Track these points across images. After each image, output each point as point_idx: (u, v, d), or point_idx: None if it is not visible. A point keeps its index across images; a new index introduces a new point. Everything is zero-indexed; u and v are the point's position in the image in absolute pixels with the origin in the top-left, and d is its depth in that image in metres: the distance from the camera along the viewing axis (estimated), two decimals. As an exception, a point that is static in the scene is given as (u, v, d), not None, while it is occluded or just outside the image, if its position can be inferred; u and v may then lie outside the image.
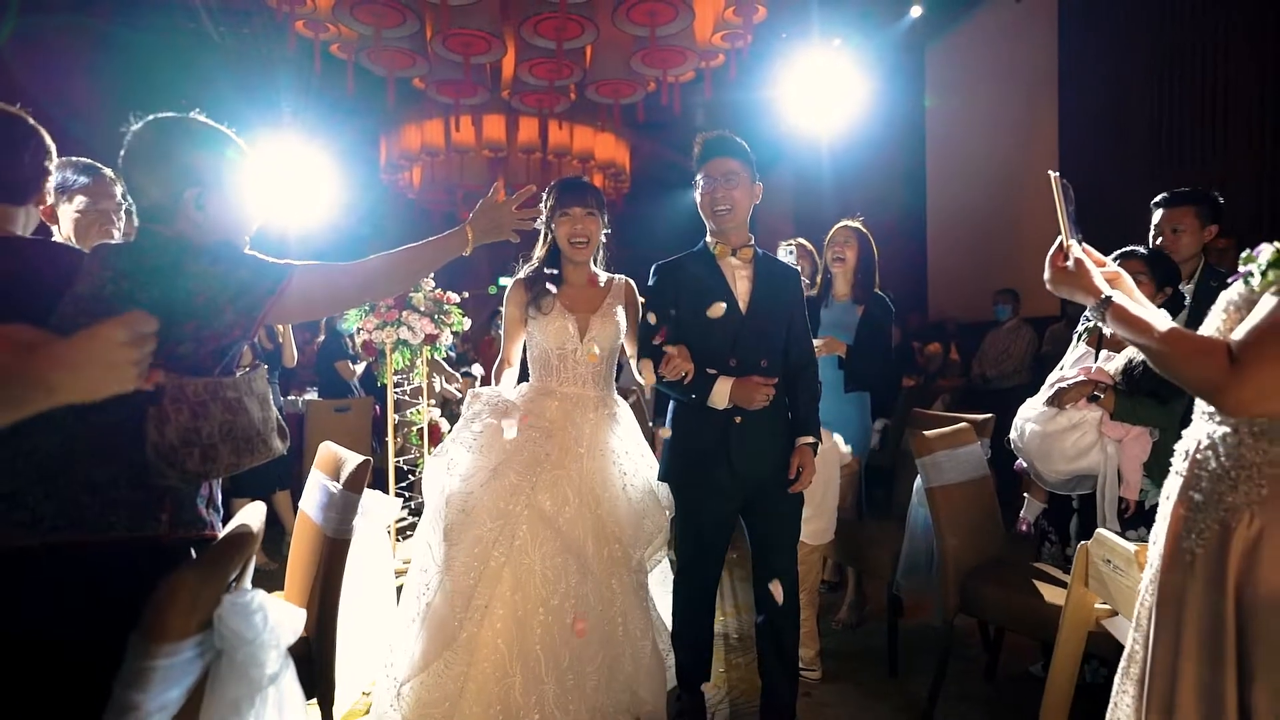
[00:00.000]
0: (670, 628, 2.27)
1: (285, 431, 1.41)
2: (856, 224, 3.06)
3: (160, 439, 1.20)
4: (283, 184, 6.11)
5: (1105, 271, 1.34)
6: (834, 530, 2.70)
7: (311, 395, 5.43)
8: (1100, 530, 1.68)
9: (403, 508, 3.93)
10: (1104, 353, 2.27)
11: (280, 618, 1.10)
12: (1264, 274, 1.09)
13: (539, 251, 2.27)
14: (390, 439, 3.83)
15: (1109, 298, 1.26)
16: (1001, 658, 2.65)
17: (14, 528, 1.17)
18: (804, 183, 9.94)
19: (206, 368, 1.28)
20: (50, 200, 1.42)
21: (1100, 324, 1.28)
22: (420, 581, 2.05)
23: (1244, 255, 1.14)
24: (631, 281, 2.36)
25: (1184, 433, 1.28)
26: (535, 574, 1.95)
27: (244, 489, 3.60)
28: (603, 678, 1.99)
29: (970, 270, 7.31)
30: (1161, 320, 1.21)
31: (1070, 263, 1.31)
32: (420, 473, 3.97)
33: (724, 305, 2.08)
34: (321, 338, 5.60)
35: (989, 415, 2.99)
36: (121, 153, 1.33)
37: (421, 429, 4.00)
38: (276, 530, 3.83)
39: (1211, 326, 1.20)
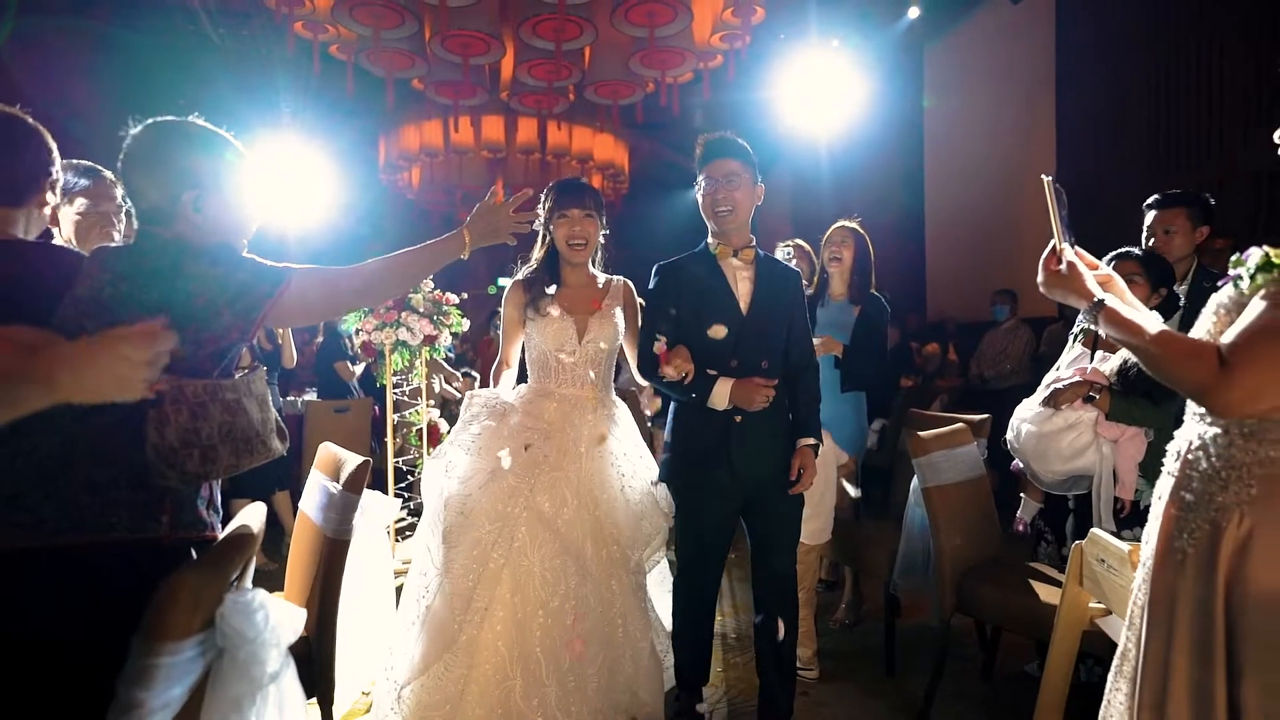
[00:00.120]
0: (669, 628, 2.28)
1: (284, 432, 1.41)
2: (853, 224, 3.07)
3: (160, 440, 1.21)
4: (282, 184, 6.12)
5: (1097, 274, 1.36)
6: (831, 530, 2.72)
7: (311, 396, 5.44)
8: (1094, 530, 1.69)
9: (402, 508, 3.94)
10: (1099, 353, 2.28)
11: (281, 617, 1.11)
12: (1253, 277, 1.10)
13: (537, 253, 2.27)
14: (389, 439, 3.84)
15: (1101, 301, 1.27)
16: (998, 657, 2.67)
17: (15, 529, 1.18)
18: (802, 183, 9.96)
19: (205, 370, 1.29)
20: (53, 203, 1.42)
21: (1093, 326, 1.29)
22: (420, 584, 2.05)
23: (1233, 259, 1.15)
24: (630, 283, 2.36)
25: (1176, 433, 1.30)
26: (535, 576, 1.95)
27: (243, 490, 3.60)
28: (603, 679, 2.00)
29: (969, 271, 7.32)
30: (1152, 323, 1.22)
31: (1063, 266, 1.32)
32: (419, 473, 3.98)
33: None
34: (320, 339, 5.61)
35: (986, 416, 3.00)
36: (120, 156, 1.34)
37: (420, 429, 4.02)
38: (276, 531, 3.84)
39: (1202, 329, 1.22)
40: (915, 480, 2.44)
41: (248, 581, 1.25)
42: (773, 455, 2.14)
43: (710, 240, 2.19)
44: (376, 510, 2.40)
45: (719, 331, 2.08)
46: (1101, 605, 1.70)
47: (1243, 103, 4.84)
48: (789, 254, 3.19)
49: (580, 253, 2.21)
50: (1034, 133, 6.64)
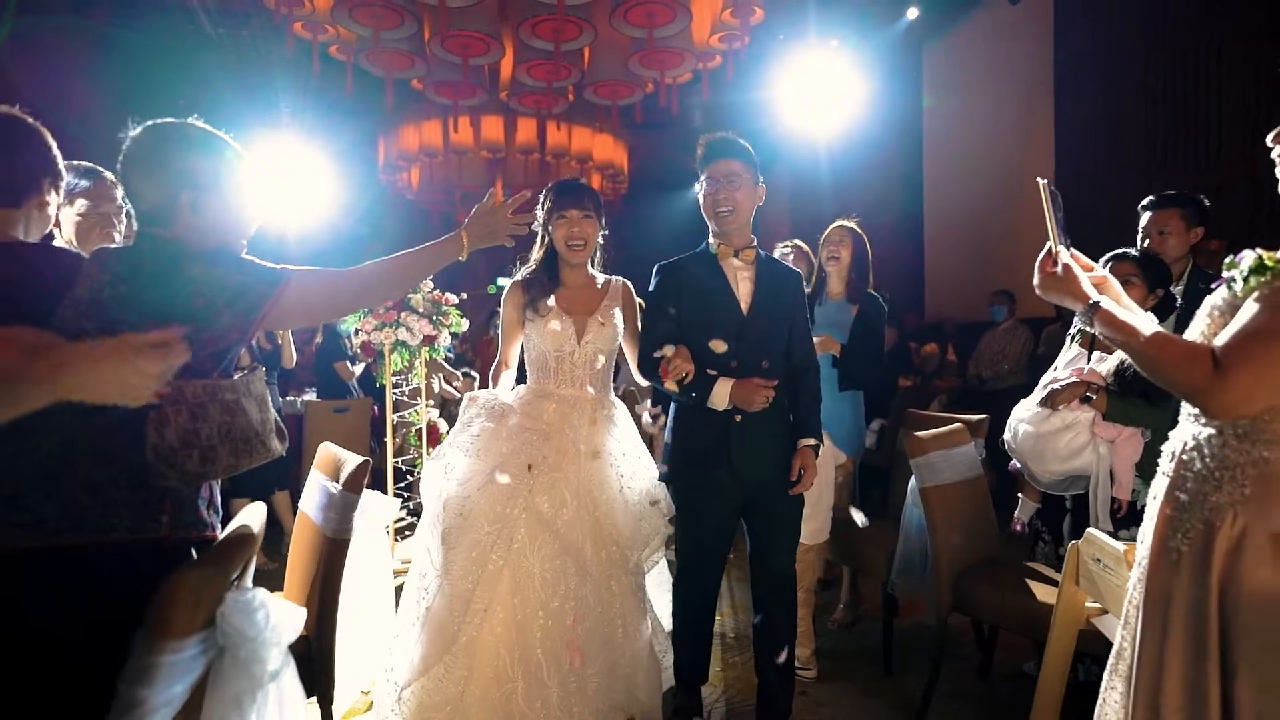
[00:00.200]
0: (668, 628, 2.28)
1: (284, 432, 1.42)
2: (851, 224, 3.08)
3: (160, 441, 1.21)
4: (281, 185, 6.13)
5: (1093, 276, 1.37)
6: (829, 530, 2.72)
7: (310, 396, 5.45)
8: (1090, 530, 1.70)
9: (401, 508, 3.95)
10: (1096, 354, 2.29)
11: (281, 616, 1.12)
12: (1246, 280, 1.11)
13: (536, 254, 2.27)
14: (389, 439, 3.85)
15: (1096, 303, 1.28)
16: (995, 656, 2.67)
17: (16, 529, 1.18)
18: (801, 184, 9.96)
19: (204, 370, 1.29)
20: (54, 203, 1.42)
21: (1088, 328, 1.30)
22: (419, 586, 2.05)
23: (1227, 261, 1.16)
24: (629, 283, 2.36)
25: (1170, 434, 1.31)
26: (534, 577, 1.95)
27: (243, 489, 3.61)
28: (603, 679, 2.00)
29: (968, 271, 7.33)
30: (1147, 325, 1.23)
31: (1059, 268, 1.33)
32: (419, 473, 3.98)
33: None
34: (320, 339, 5.62)
35: (983, 416, 3.01)
36: (120, 158, 1.35)
37: (420, 429, 4.02)
38: (275, 530, 3.84)
39: (1196, 331, 1.23)
40: (913, 480, 2.45)
41: (248, 581, 1.25)
42: (773, 455, 2.14)
43: (711, 240, 2.20)
44: (376, 510, 2.41)
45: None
46: (1097, 605, 1.71)
47: (1241, 104, 4.85)
48: (787, 254, 3.20)
49: (579, 253, 2.21)
50: (1033, 133, 6.65)
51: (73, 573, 1.21)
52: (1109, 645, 1.38)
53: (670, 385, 2.05)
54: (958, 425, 2.57)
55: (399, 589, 2.29)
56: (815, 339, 2.70)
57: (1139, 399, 2.14)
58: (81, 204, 1.91)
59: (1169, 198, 2.65)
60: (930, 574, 2.38)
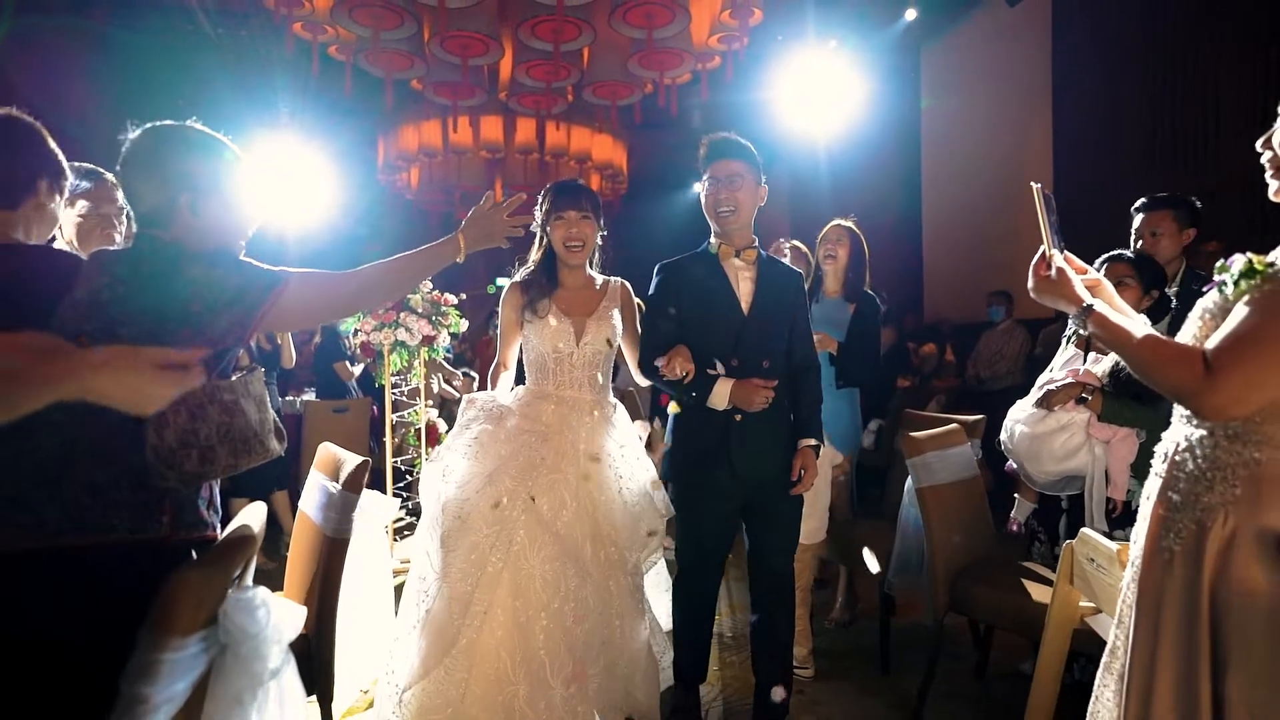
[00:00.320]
0: (665, 628, 2.29)
1: (282, 433, 1.43)
2: (849, 223, 3.11)
3: (159, 441, 1.22)
4: (281, 185, 6.14)
5: (1086, 279, 1.38)
6: (826, 529, 2.74)
7: (309, 396, 5.45)
8: (1084, 530, 1.71)
9: (400, 508, 3.96)
10: (1092, 355, 2.30)
11: (282, 614, 1.13)
12: (1236, 284, 1.13)
13: (534, 255, 2.27)
14: (388, 439, 3.86)
15: (1090, 306, 1.29)
16: (992, 656, 2.69)
17: (18, 530, 1.19)
18: (800, 184, 9.98)
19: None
20: (51, 204, 1.42)
21: (1082, 331, 1.31)
22: (419, 589, 2.04)
23: (1218, 265, 1.17)
24: (627, 284, 2.36)
25: (1163, 435, 1.32)
26: (535, 578, 1.95)
27: (242, 489, 3.62)
28: (602, 680, 2.00)
29: (966, 271, 7.34)
30: (1139, 327, 1.24)
31: (1052, 272, 1.34)
32: (418, 473, 4.00)
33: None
34: (319, 339, 5.63)
35: (980, 416, 3.02)
36: (119, 160, 1.36)
37: (419, 429, 4.03)
38: (274, 530, 3.85)
39: (1188, 334, 1.24)
40: (909, 480, 2.46)
41: (249, 580, 1.26)
42: (773, 456, 2.15)
43: (712, 240, 2.21)
44: (375, 510, 2.42)
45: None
46: (1091, 604, 1.72)
47: (1239, 105, 4.86)
48: (785, 255, 3.21)
49: (577, 254, 2.21)
50: (1031, 134, 6.67)
51: (73, 573, 1.21)
52: (1103, 644, 1.40)
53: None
54: (954, 426, 2.58)
55: (398, 589, 2.30)
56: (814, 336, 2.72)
57: (1134, 400, 2.15)
58: (82, 205, 1.91)
59: (1161, 199, 2.66)
60: (926, 574, 2.39)
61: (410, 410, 4.08)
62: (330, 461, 1.93)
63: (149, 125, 1.36)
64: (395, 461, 3.95)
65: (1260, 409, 1.12)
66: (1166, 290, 2.37)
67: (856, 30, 7.41)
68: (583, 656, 1.95)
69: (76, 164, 1.92)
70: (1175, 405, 1.27)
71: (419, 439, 4.05)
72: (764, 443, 2.13)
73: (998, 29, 7.10)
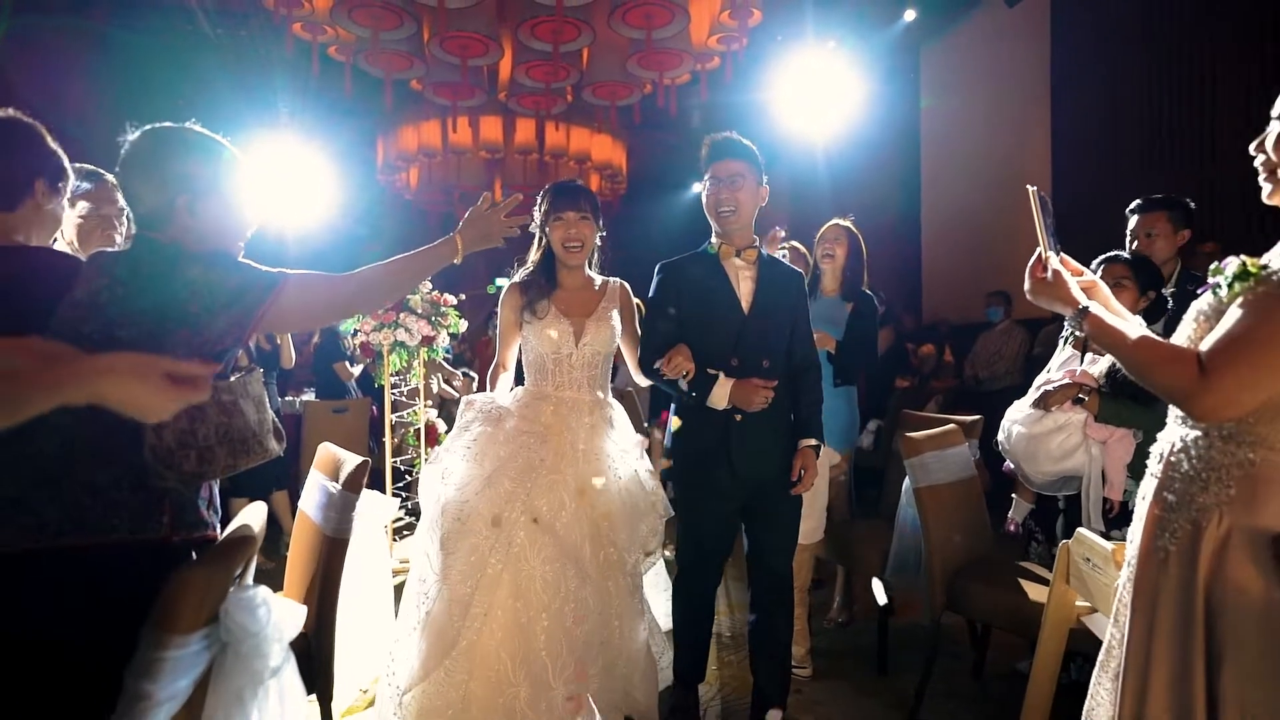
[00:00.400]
0: (664, 628, 2.29)
1: (281, 433, 1.43)
2: (847, 223, 3.13)
3: (158, 442, 1.23)
4: (280, 185, 6.14)
5: (1082, 281, 1.39)
6: (824, 529, 2.75)
7: (309, 396, 5.46)
8: (1080, 530, 1.72)
9: (400, 508, 3.97)
10: (1089, 356, 2.31)
11: (282, 613, 1.14)
12: (1230, 286, 1.14)
13: (533, 255, 2.27)
14: (387, 440, 3.86)
15: (1085, 308, 1.30)
16: (989, 655, 2.69)
17: (19, 531, 1.20)
18: (799, 185, 9.98)
19: None
20: (49, 205, 1.42)
21: (1078, 333, 1.32)
22: (419, 591, 2.04)
23: (1212, 268, 1.18)
24: (626, 284, 2.36)
25: (1158, 436, 1.33)
26: (535, 579, 1.95)
27: (242, 489, 3.62)
28: (602, 680, 2.01)
29: (964, 272, 7.35)
30: (1134, 329, 1.25)
31: (1049, 274, 1.35)
32: (417, 473, 4.00)
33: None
34: (318, 339, 5.64)
35: (977, 417, 3.04)
36: (118, 162, 1.36)
37: (418, 430, 4.04)
38: (274, 530, 3.86)
39: (1183, 335, 1.25)
40: (907, 480, 2.47)
41: (249, 579, 1.27)
42: (774, 456, 2.15)
43: (713, 240, 2.21)
44: (374, 510, 2.43)
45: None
46: (1087, 603, 1.73)
47: (1237, 104, 4.87)
48: (783, 255, 3.23)
49: (576, 255, 2.21)
50: (1030, 134, 6.68)
51: (74, 573, 1.22)
52: (1099, 644, 1.41)
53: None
54: (951, 426, 2.59)
55: (397, 588, 2.30)
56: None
57: (1131, 400, 2.16)
58: (83, 206, 1.92)
59: (1156, 201, 2.68)
60: (924, 573, 2.40)
61: (410, 410, 4.09)
62: (330, 461, 1.93)
63: (147, 127, 1.37)
64: (395, 461, 3.96)
65: (1254, 410, 1.13)
66: (1163, 291, 2.38)
67: (855, 31, 7.41)
68: (582, 657, 1.95)
69: (77, 165, 1.93)
70: (1170, 406, 1.28)
71: (418, 439, 4.06)
72: (764, 443, 2.14)
73: (997, 29, 7.11)
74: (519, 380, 2.34)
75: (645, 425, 4.29)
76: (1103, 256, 2.33)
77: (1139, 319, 1.39)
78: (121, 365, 0.93)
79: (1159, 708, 1.19)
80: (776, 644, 2.24)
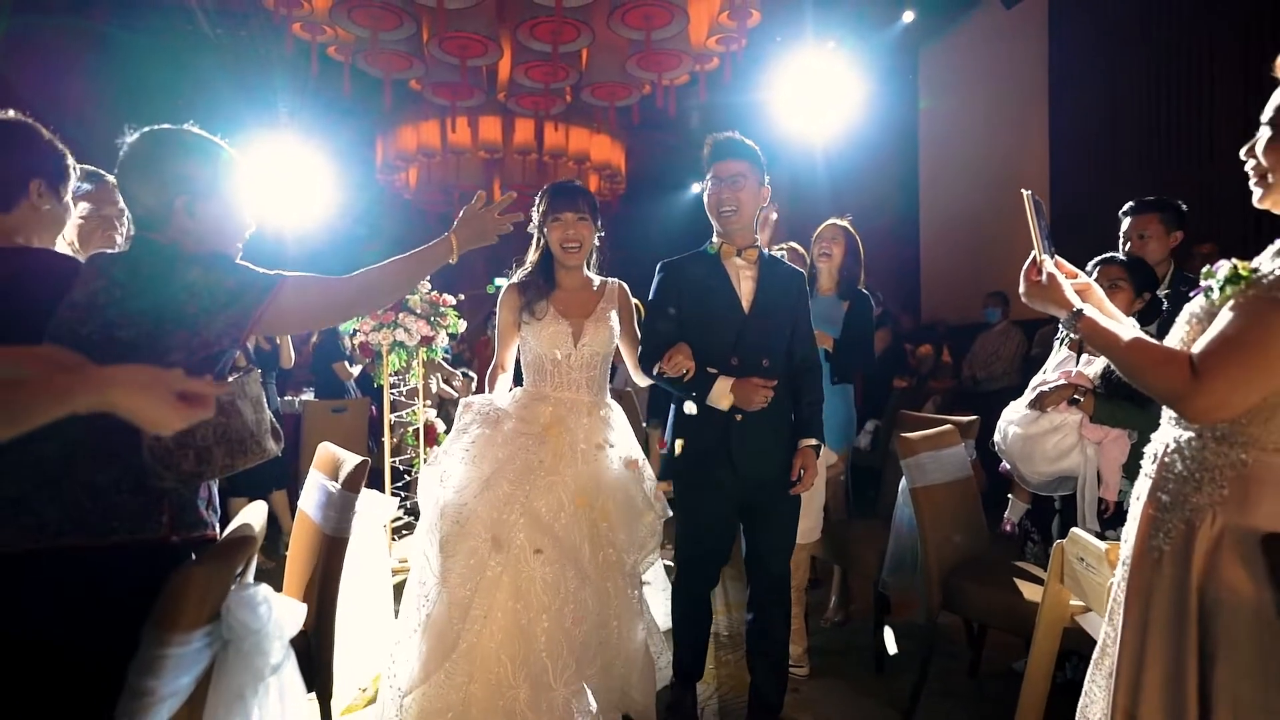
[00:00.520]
0: (662, 628, 2.30)
1: (279, 433, 1.44)
2: (844, 223, 3.14)
3: (156, 442, 1.23)
4: (279, 184, 6.15)
5: (1076, 283, 1.40)
6: (821, 529, 2.75)
7: (308, 396, 5.47)
8: (1074, 530, 1.73)
9: (399, 507, 3.98)
10: (1084, 357, 2.32)
11: (283, 611, 1.15)
12: (1222, 289, 1.15)
13: (532, 256, 2.27)
14: (386, 439, 3.87)
15: (1079, 310, 1.32)
16: (985, 654, 2.70)
17: (20, 531, 1.20)
18: (798, 186, 9.99)
19: (199, 373, 1.30)
20: (46, 206, 1.41)
21: (1073, 334, 1.34)
22: (419, 593, 2.05)
23: (1204, 271, 1.20)
24: (625, 285, 2.36)
25: (1152, 437, 1.34)
26: (535, 581, 1.95)
27: (241, 489, 3.63)
28: (600, 680, 2.01)
29: (963, 273, 7.37)
30: (1128, 331, 1.27)
31: (1043, 277, 1.36)
32: (416, 472, 4.01)
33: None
34: (317, 339, 5.64)
35: (974, 417, 3.05)
36: (117, 164, 1.37)
37: (417, 429, 4.05)
38: (273, 530, 3.86)
39: (1176, 338, 1.26)
40: (903, 481, 2.48)
41: (250, 577, 1.28)
42: (774, 455, 2.16)
43: (714, 239, 2.22)
44: (373, 509, 2.43)
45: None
46: (1081, 603, 1.74)
47: (1235, 104, 4.88)
48: (782, 255, 3.24)
49: (574, 256, 2.21)
50: (1028, 134, 6.69)
51: (74, 573, 1.22)
52: (1094, 643, 1.42)
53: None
54: (947, 427, 2.60)
55: (397, 588, 2.31)
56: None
57: (1125, 401, 2.17)
58: (84, 207, 1.92)
59: (1148, 203, 2.70)
60: (920, 573, 2.41)
61: (408, 410, 4.10)
62: (330, 461, 1.94)
63: (146, 129, 1.37)
64: (394, 461, 3.96)
65: (1246, 411, 1.14)
66: (1157, 293, 2.40)
67: (854, 31, 7.43)
68: (581, 657, 1.96)
69: (78, 166, 1.93)
70: (1164, 407, 1.29)
71: (417, 439, 4.07)
72: (765, 442, 2.15)
73: (995, 30, 7.12)
74: (517, 381, 2.34)
75: (644, 425, 4.30)
76: (1098, 258, 2.34)
77: (1132, 321, 1.40)
78: (136, 378, 0.94)
79: (1152, 706, 1.20)
80: (773, 643, 2.25)
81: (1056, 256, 1.41)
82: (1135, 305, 2.28)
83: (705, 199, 2.20)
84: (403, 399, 4.15)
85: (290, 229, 6.80)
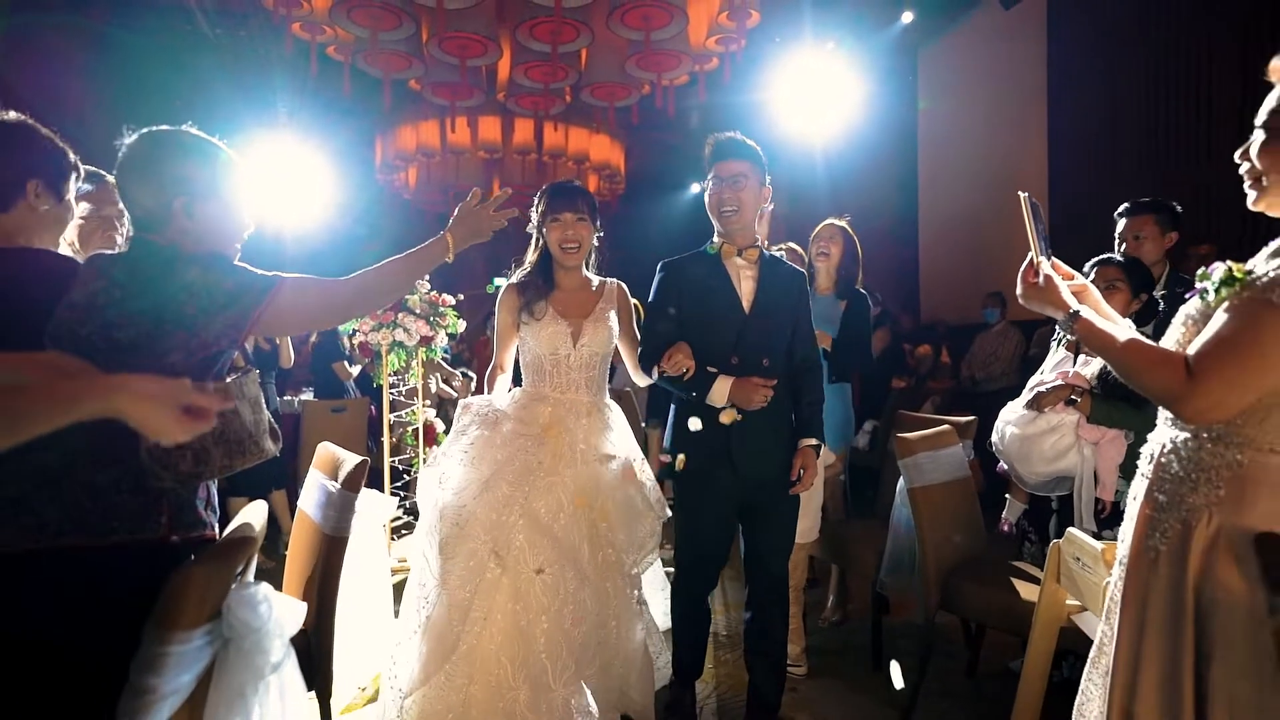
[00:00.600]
0: (661, 628, 2.30)
1: (277, 433, 1.44)
2: (842, 223, 3.15)
3: (154, 442, 1.24)
4: (279, 184, 6.15)
5: (1072, 285, 1.41)
6: (819, 529, 2.76)
7: (307, 396, 5.47)
8: (1070, 529, 1.74)
9: (398, 507, 3.98)
10: (1081, 357, 2.33)
11: (283, 609, 1.16)
12: (1217, 291, 1.16)
13: (531, 256, 2.27)
14: (386, 439, 3.87)
15: (1076, 312, 1.32)
16: (982, 654, 2.71)
17: (20, 531, 1.21)
18: (798, 186, 9.99)
19: (197, 375, 1.31)
20: (44, 207, 1.41)
21: (1069, 336, 1.34)
22: (419, 595, 2.05)
23: (1200, 273, 1.21)
24: (624, 285, 2.36)
25: (1149, 437, 1.35)
26: (535, 582, 1.95)
27: (240, 489, 3.63)
28: (599, 679, 2.02)
29: (961, 273, 7.38)
30: (1124, 332, 1.28)
31: (1040, 279, 1.37)
32: (415, 472, 4.02)
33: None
34: (316, 339, 5.64)
35: (972, 418, 3.05)
36: (115, 165, 1.37)
37: (416, 429, 4.05)
38: (273, 529, 3.86)
39: (1172, 339, 1.27)
40: (901, 481, 2.48)
41: (250, 576, 1.29)
42: (775, 455, 2.16)
43: (715, 239, 2.22)
44: (373, 508, 2.44)
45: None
46: (1078, 602, 1.75)
47: (1233, 104, 4.89)
48: (781, 253, 3.25)
49: (573, 256, 2.22)
50: (1027, 135, 6.70)
51: (74, 573, 1.23)
52: (1090, 642, 1.43)
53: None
54: (945, 427, 2.61)
55: (396, 587, 2.31)
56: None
57: (1123, 402, 2.17)
58: (84, 207, 1.92)
59: (1144, 204, 2.71)
60: (918, 573, 2.42)
61: (408, 410, 4.10)
62: (329, 461, 1.94)
63: (144, 130, 1.38)
64: (393, 461, 3.97)
65: (1242, 412, 1.15)
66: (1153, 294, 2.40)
67: (854, 32, 7.43)
68: (580, 658, 1.97)
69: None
70: (1160, 408, 1.30)
71: (416, 439, 4.07)
72: (765, 442, 2.15)
73: (994, 31, 7.13)
74: (516, 381, 2.34)
75: (644, 425, 4.31)
76: (1096, 259, 2.35)
77: (1129, 322, 1.41)
78: (145, 388, 0.94)
79: (1148, 705, 1.21)
80: (772, 642, 2.25)
81: (1053, 258, 1.41)
82: (1132, 306, 2.28)
83: (706, 199, 2.20)
84: (402, 399, 4.15)
85: (289, 229, 6.81)
